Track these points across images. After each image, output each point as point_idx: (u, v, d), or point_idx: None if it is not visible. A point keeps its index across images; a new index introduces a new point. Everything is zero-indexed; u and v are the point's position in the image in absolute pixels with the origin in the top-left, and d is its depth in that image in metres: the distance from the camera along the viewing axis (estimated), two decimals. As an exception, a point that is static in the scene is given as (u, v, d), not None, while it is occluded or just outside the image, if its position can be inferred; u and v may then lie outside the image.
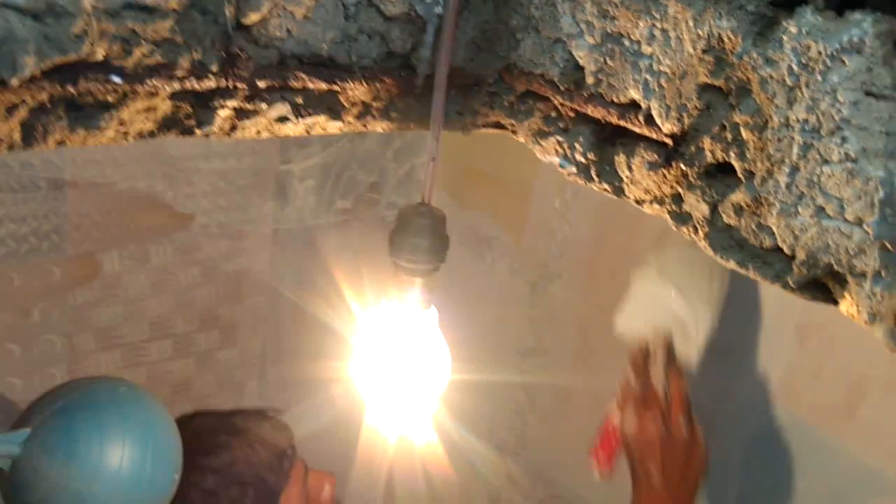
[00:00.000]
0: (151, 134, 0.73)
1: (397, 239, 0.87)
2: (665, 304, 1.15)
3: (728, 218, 0.69)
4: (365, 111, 0.83)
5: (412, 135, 1.83)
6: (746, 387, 1.26)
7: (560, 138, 0.82)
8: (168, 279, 1.66)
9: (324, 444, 1.15)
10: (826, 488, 1.21)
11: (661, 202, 0.74)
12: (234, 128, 0.76)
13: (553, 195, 1.61)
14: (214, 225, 1.67)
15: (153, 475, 0.88)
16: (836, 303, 0.64)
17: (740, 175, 0.68)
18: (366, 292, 1.47)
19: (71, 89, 0.66)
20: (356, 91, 0.81)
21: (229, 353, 1.80)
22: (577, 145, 0.80)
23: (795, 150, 0.63)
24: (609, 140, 0.79)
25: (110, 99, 0.69)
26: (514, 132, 0.89)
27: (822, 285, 0.65)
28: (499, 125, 0.90)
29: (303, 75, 0.77)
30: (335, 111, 0.81)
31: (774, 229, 0.66)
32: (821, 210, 0.63)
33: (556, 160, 0.82)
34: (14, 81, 0.62)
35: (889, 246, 0.59)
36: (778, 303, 1.21)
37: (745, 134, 0.67)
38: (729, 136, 0.68)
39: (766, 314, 1.23)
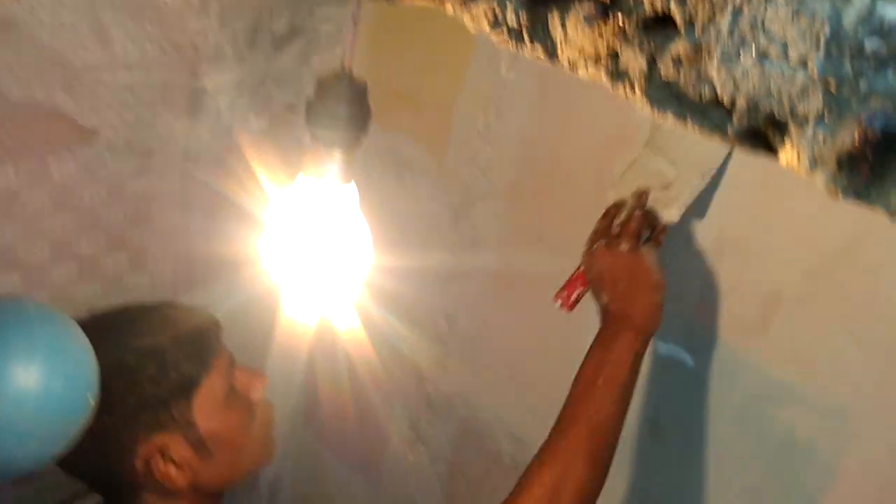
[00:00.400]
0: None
1: (315, 108, 0.81)
2: (655, 169, 1.17)
3: (666, 71, 0.66)
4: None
5: (332, 54, 1.76)
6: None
7: (490, 1, 0.78)
8: (71, 197, 1.56)
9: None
10: (737, 400, 1.22)
11: (596, 61, 0.71)
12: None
13: (477, 117, 1.58)
14: (121, 141, 1.58)
15: (64, 397, 0.83)
16: (775, 152, 0.62)
17: (679, 25, 0.64)
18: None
19: None
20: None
21: (139, 278, 1.72)
22: (508, 4, 0.76)
23: (739, -9, 0.60)
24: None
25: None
26: (441, 1, 0.84)
27: (762, 136, 0.63)
28: (425, -7, 0.85)
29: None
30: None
31: (714, 79, 0.63)
32: (763, 55, 0.60)
33: (486, 27, 0.78)
34: None
35: (832, 86, 0.57)
36: (696, 217, 1.21)
37: (686, -21, 0.63)
38: (669, -16, 0.65)
39: (684, 229, 1.22)
